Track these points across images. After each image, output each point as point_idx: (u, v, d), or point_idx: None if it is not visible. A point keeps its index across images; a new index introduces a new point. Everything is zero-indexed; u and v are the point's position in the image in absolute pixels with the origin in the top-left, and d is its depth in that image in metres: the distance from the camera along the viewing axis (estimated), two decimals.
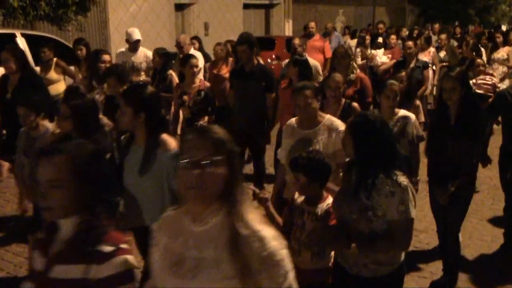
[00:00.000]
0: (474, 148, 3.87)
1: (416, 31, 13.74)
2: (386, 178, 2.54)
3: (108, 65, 5.93)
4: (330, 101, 4.46)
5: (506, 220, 4.91)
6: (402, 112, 4.21)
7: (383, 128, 2.68)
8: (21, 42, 7.30)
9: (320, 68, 6.89)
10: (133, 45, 6.98)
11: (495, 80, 6.30)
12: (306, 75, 5.13)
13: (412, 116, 4.20)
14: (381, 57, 10.06)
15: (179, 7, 16.81)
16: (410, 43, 8.45)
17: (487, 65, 9.68)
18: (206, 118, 5.52)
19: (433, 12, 21.70)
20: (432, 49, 9.72)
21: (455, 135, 3.81)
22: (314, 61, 6.72)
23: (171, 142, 2.96)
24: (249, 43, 5.50)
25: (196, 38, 6.91)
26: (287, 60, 7.93)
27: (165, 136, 2.97)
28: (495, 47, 10.28)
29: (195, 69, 5.51)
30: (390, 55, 9.84)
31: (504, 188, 4.78)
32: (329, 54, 8.79)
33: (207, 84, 5.77)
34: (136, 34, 7.04)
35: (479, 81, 6.22)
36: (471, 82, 5.61)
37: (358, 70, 5.94)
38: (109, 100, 4.88)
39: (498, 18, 22.45)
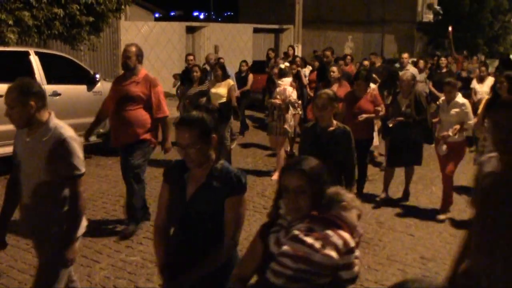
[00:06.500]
0: None
1: (329, 53, 8.86)
2: None
3: None
4: None
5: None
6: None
7: None
8: (34, 60, 7.39)
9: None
10: None
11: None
12: None
13: None
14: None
15: (190, 30, 17.03)
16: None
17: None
18: None
19: (442, 40, 21.82)
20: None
21: None
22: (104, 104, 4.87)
23: None
24: None
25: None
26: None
27: None
28: None
29: None
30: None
31: None
32: (161, 110, 5.02)
33: None
34: None
35: None
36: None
37: None
38: None
39: (506, 48, 22.53)
